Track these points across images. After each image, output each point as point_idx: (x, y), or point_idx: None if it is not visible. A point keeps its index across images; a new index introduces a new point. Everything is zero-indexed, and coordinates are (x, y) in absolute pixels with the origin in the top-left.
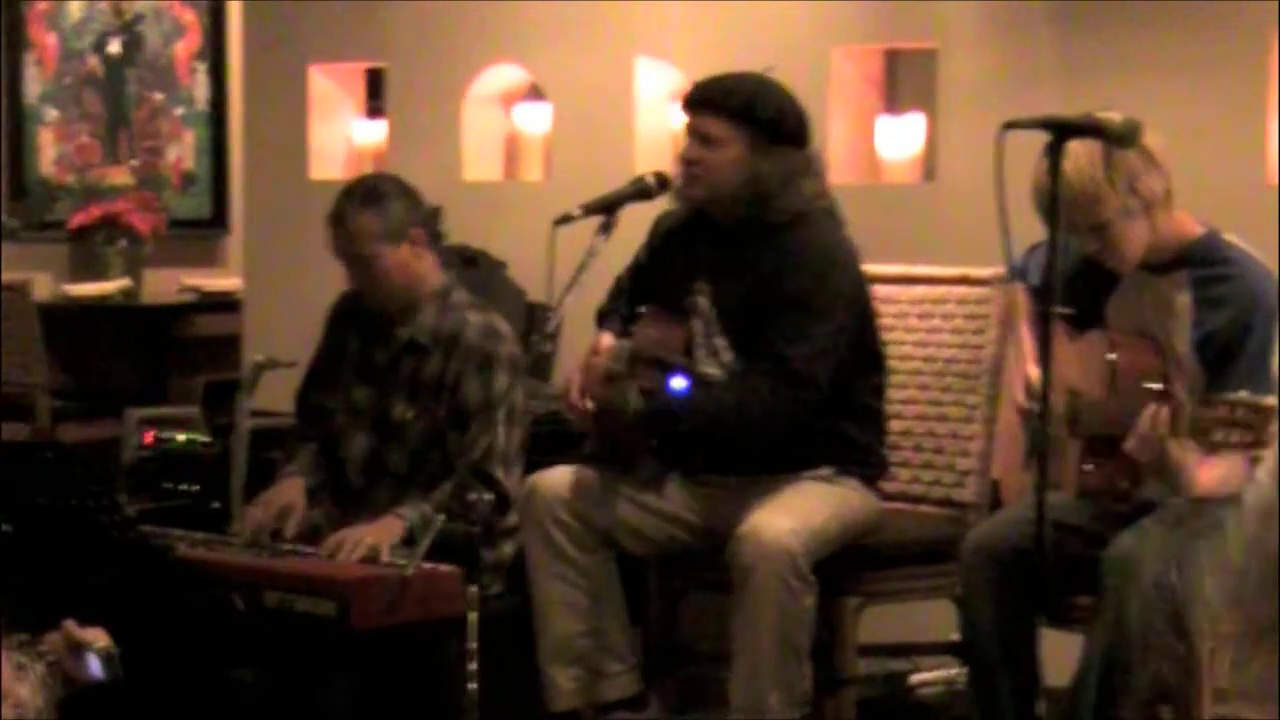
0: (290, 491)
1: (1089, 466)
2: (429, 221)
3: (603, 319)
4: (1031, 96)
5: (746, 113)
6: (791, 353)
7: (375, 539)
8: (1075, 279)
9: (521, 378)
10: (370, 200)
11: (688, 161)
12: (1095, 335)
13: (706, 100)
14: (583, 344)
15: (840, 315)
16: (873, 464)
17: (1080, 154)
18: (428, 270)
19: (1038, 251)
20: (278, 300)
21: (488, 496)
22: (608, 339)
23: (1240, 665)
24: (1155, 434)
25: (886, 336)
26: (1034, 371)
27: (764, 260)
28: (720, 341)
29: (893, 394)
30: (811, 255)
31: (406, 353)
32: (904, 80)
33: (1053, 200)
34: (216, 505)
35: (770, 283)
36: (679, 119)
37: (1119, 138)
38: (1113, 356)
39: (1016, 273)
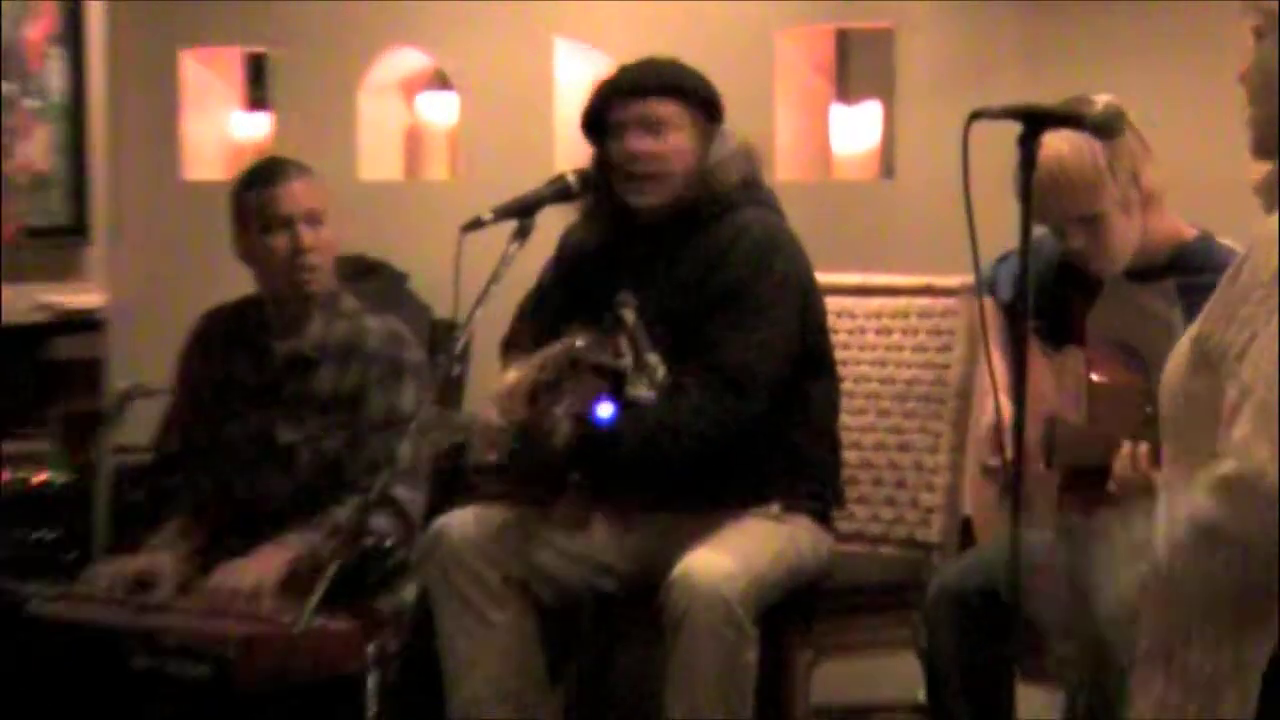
0: (158, 553)
1: (1067, 501)
2: None
3: (510, 350)
4: (1001, 81)
5: (686, 90)
6: (726, 354)
7: (257, 574)
8: (1050, 287)
9: (428, 387)
10: (303, 170)
11: (635, 156)
12: (1073, 352)
13: (645, 82)
14: (492, 365)
15: (784, 308)
16: (826, 496)
17: (1078, 137)
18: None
19: (1009, 260)
20: (147, 319)
21: (382, 523)
22: (514, 369)
23: None
24: (1136, 475)
25: (840, 355)
26: (1007, 407)
27: (692, 254)
28: (652, 358)
29: (849, 421)
30: (747, 240)
31: (289, 369)
32: (857, 65)
33: (1025, 199)
34: (76, 554)
35: (701, 278)
36: (606, 114)
37: (1099, 128)
38: (1094, 377)
39: (985, 285)
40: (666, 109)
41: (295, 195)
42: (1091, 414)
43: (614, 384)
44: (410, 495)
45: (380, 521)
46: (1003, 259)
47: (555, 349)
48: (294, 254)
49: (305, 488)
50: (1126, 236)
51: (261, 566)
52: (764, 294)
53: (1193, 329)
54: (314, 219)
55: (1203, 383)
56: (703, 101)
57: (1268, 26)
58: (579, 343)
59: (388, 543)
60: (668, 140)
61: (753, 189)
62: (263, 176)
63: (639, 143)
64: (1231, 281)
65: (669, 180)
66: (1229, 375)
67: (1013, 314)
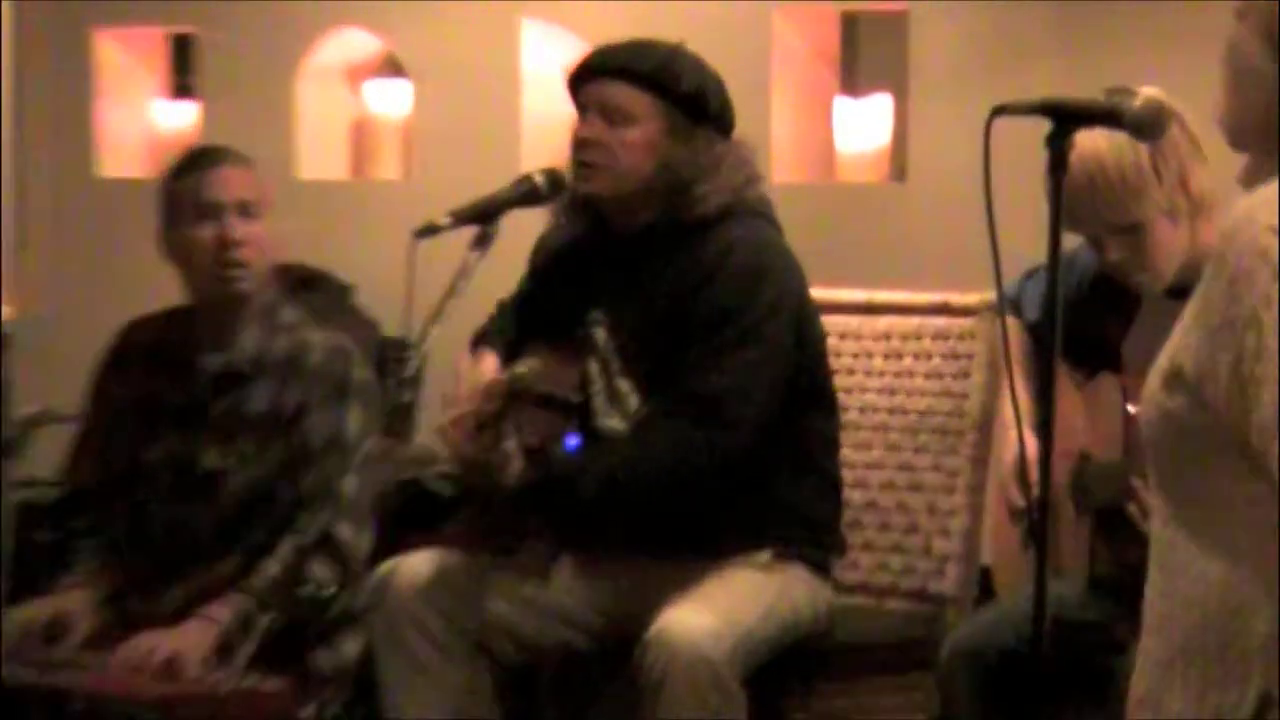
0: (69, 600)
1: (1100, 549)
2: None
3: (478, 345)
4: (1029, 72)
5: (665, 81)
6: (708, 386)
7: (178, 648)
8: (1083, 305)
9: (377, 412)
10: (241, 159)
11: (584, 143)
12: (1107, 381)
13: (613, 65)
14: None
15: (773, 336)
16: (825, 543)
17: (1119, 136)
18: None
19: (1037, 276)
20: (58, 335)
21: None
22: (489, 362)
23: None
24: None
25: (845, 382)
26: (1031, 444)
27: (674, 271)
28: (624, 384)
29: (853, 456)
30: (735, 259)
31: (219, 386)
32: (866, 52)
33: (1055, 206)
34: None
35: (683, 299)
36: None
37: (1140, 126)
38: (1132, 408)
39: (1009, 304)
40: (624, 96)
41: (227, 182)
42: (1128, 450)
43: (569, 416)
44: (353, 537)
45: (320, 568)
46: (1030, 275)
47: (499, 379)
48: (221, 247)
49: (231, 520)
50: (1172, 248)
51: (183, 642)
52: (751, 322)
53: (1169, 345)
54: (247, 210)
55: (1179, 402)
56: (684, 98)
57: (1247, 7)
58: (522, 369)
59: (327, 591)
60: (622, 131)
61: (745, 197)
62: (194, 162)
63: (587, 127)
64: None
65: (612, 173)
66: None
67: (1040, 336)
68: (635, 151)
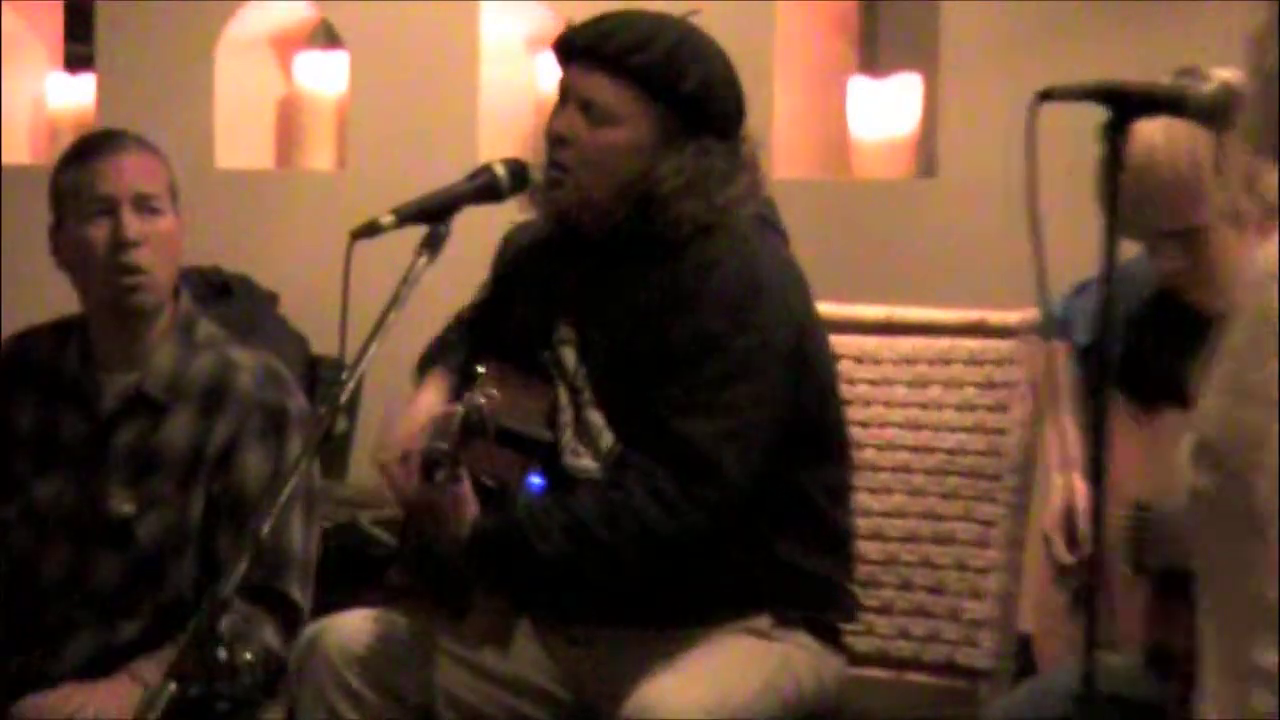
0: None
1: (1161, 617)
2: None
3: (427, 366)
4: (1079, 50)
5: (663, 82)
6: (691, 431)
7: (102, 707)
8: (1143, 328)
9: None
10: (143, 146)
11: (557, 139)
12: (1171, 418)
13: (604, 52)
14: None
15: (770, 370)
16: (834, 606)
17: (1178, 125)
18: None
19: (1088, 293)
20: None
21: (271, 637)
22: (431, 394)
23: None
24: None
25: (860, 414)
26: (1082, 491)
27: (652, 289)
28: (596, 417)
29: (868, 501)
30: (726, 277)
31: (125, 415)
32: (889, 27)
33: (1110, 208)
34: None
35: (662, 323)
36: (550, 76)
37: (1208, 114)
38: None
39: (1056, 325)
40: (608, 92)
41: (122, 172)
42: None
43: (532, 455)
44: (303, 598)
45: (270, 634)
46: (1080, 289)
47: (453, 410)
48: (114, 248)
49: (142, 572)
50: (1234, 258)
51: (107, 701)
52: (740, 352)
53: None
54: (147, 205)
55: (1210, 480)
56: (683, 101)
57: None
58: (479, 400)
59: (246, 655)
60: (605, 133)
61: (746, 203)
62: (85, 150)
63: (561, 121)
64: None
65: (581, 183)
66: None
67: (1092, 364)
68: (614, 157)
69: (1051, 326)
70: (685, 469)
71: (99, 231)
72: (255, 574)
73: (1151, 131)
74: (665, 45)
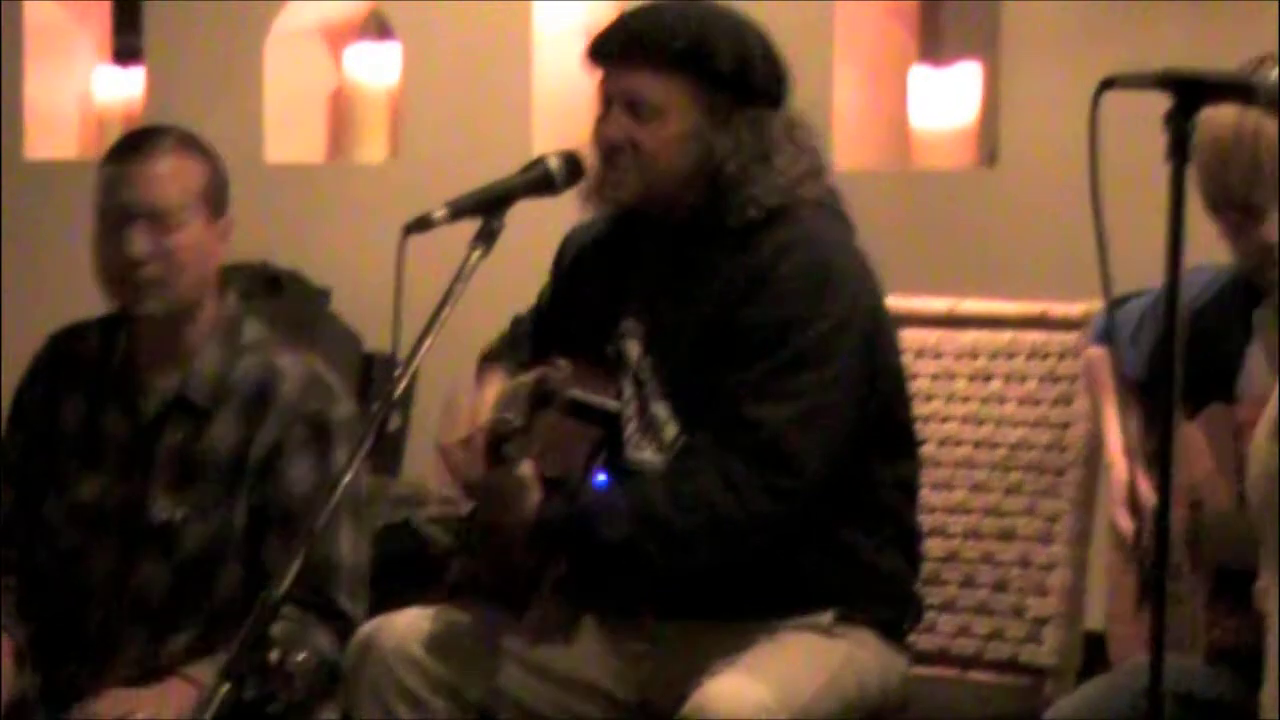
0: None
1: (1218, 616)
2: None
3: (488, 364)
4: (1144, 36)
5: (700, 62)
6: (764, 417)
7: (157, 712)
8: (1194, 331)
9: (364, 450)
10: (190, 143)
11: (610, 147)
12: (1218, 414)
13: (636, 49)
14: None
15: (845, 355)
16: (898, 605)
17: (1248, 110)
18: (214, 287)
19: (1127, 308)
20: None
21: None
22: (492, 389)
23: None
24: None
25: (922, 409)
26: (1125, 468)
27: (723, 277)
28: (660, 409)
29: (930, 497)
30: (795, 260)
31: (168, 418)
32: (950, 13)
33: (1176, 199)
34: None
35: (733, 310)
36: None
37: (1278, 101)
38: (1247, 449)
39: (1098, 334)
40: (651, 86)
41: (138, 184)
42: (1243, 500)
43: (606, 436)
44: (353, 608)
45: (321, 638)
46: (1117, 304)
47: (522, 380)
48: (119, 263)
49: (189, 581)
50: None
51: (161, 707)
52: (815, 337)
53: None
54: (160, 220)
55: None
56: (720, 74)
57: None
58: (555, 373)
59: (298, 657)
60: (652, 128)
61: (812, 188)
62: (116, 153)
63: (611, 127)
64: None
65: (641, 178)
66: None
67: (1141, 386)
68: (667, 151)
69: (1093, 336)
70: (757, 455)
71: (108, 243)
72: (303, 584)
73: (1228, 111)
74: (695, 27)
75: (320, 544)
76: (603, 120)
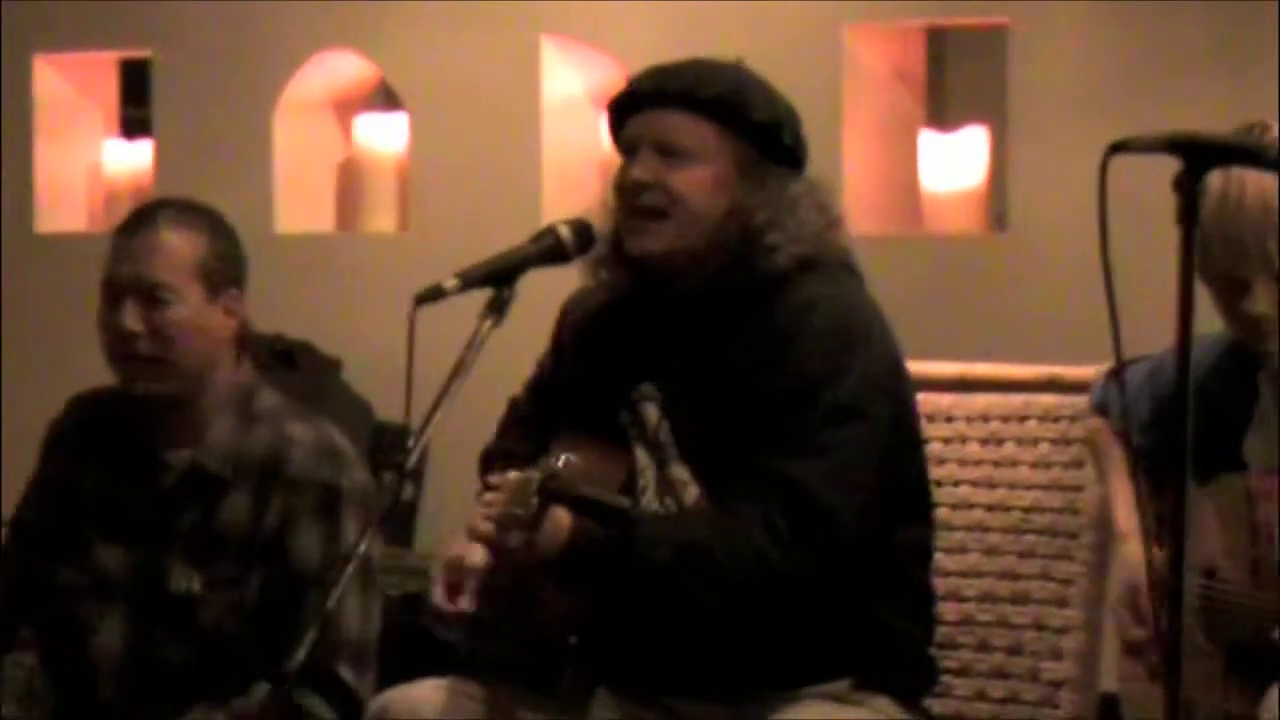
0: None
1: (1231, 690)
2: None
3: (493, 463)
4: (1152, 101)
5: (734, 111)
6: (800, 472)
7: None
8: (1203, 395)
9: (374, 521)
10: (191, 216)
11: (638, 186)
12: (1229, 482)
13: (672, 91)
14: (458, 488)
15: (876, 409)
16: (914, 670)
17: (1252, 174)
18: (226, 358)
19: (1135, 375)
20: None
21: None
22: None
23: None
24: None
25: (935, 472)
26: (1138, 555)
27: (743, 336)
28: (680, 472)
29: (944, 561)
30: (819, 318)
31: (186, 490)
32: (957, 77)
33: (1185, 262)
34: None
35: (756, 370)
36: (608, 135)
37: None
38: (1260, 517)
39: (1095, 408)
40: (690, 130)
41: (134, 258)
42: (1256, 569)
43: (608, 525)
44: (358, 677)
45: (320, 707)
46: (1112, 374)
47: (530, 476)
48: (114, 338)
49: (207, 656)
50: None
51: None
52: (845, 392)
53: None
54: (155, 296)
55: None
56: (755, 130)
57: None
58: (556, 463)
59: None
60: (687, 172)
61: (826, 246)
62: (122, 226)
63: (641, 169)
64: None
65: (677, 224)
66: None
67: (1143, 455)
68: (702, 194)
69: (1092, 406)
70: (793, 511)
71: (104, 317)
72: (306, 655)
73: (1232, 175)
74: (730, 79)
75: (327, 618)
76: (629, 165)
